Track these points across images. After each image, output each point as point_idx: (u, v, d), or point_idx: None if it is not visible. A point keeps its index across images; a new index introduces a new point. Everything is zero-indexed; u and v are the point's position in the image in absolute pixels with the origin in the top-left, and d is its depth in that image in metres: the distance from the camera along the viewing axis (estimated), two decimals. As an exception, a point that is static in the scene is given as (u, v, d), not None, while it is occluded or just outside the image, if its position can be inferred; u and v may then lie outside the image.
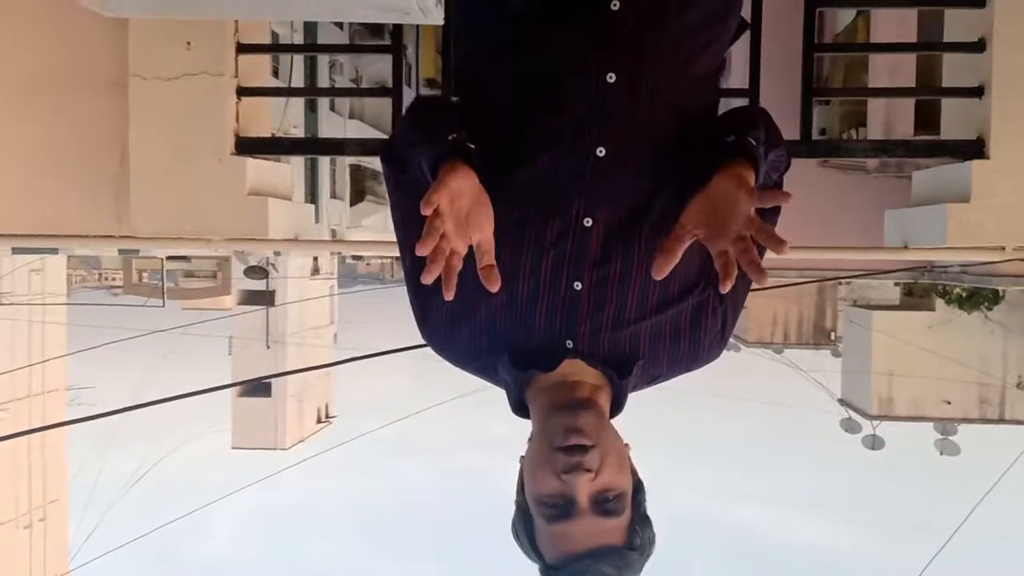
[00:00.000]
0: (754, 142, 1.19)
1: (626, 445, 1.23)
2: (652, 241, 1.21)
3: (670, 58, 1.25)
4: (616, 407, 1.27)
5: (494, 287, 1.12)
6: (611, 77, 1.22)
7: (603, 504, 1.15)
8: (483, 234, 1.14)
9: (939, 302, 11.25)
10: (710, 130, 1.29)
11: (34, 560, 14.01)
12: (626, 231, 1.23)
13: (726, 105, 1.49)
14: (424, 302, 1.31)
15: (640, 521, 1.19)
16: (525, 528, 1.20)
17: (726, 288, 1.08)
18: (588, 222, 1.22)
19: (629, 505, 1.18)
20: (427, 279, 1.09)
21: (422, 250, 1.07)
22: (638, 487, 1.22)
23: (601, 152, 1.22)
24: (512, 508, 1.25)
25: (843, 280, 10.82)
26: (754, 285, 1.30)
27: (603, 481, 1.15)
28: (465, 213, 1.13)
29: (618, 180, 1.23)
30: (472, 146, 1.18)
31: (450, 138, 1.19)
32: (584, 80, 1.22)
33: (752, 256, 1.06)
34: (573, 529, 1.15)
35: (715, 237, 1.11)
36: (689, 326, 1.28)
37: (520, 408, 1.29)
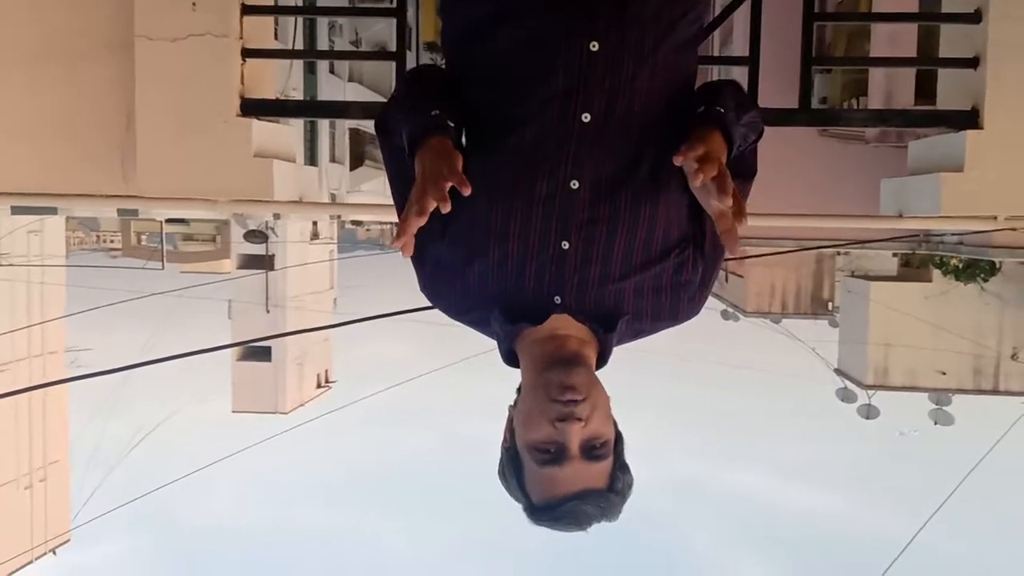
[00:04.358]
0: (721, 109, 1.28)
1: (608, 397, 1.31)
2: (637, 203, 1.29)
3: (652, 26, 1.30)
4: (602, 360, 1.35)
5: (467, 191, 1.18)
6: (594, 46, 1.27)
7: (591, 451, 1.25)
8: (454, 176, 1.19)
9: (936, 273, 11.27)
10: (687, 101, 1.35)
11: (35, 520, 14.14)
12: (612, 193, 1.29)
13: (727, 73, 1.53)
14: (421, 257, 1.37)
15: (621, 468, 1.29)
16: (514, 471, 1.29)
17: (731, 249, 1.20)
18: (575, 185, 1.28)
19: (612, 452, 1.28)
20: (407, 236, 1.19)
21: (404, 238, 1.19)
22: (619, 437, 1.31)
23: (586, 118, 1.28)
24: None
25: (840, 249, 10.85)
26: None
27: (592, 429, 1.24)
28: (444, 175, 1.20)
29: (603, 145, 1.29)
30: (452, 124, 1.27)
31: (433, 113, 1.27)
32: (569, 49, 1.27)
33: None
34: (562, 473, 1.24)
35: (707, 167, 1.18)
36: (670, 284, 1.35)
37: (511, 358, 1.37)
